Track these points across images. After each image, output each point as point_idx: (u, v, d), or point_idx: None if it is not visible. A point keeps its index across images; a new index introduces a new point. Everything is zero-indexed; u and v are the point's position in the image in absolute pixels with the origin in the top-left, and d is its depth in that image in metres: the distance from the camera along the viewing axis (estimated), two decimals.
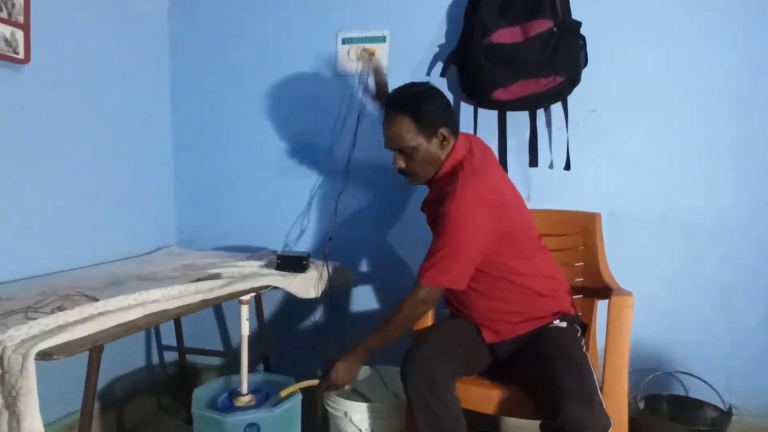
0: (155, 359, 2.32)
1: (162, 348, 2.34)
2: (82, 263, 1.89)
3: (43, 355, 1.02)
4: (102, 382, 2.02)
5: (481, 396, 1.45)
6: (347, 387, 1.56)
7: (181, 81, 2.30)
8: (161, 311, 1.30)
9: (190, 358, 2.32)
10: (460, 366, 1.44)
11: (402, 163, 1.49)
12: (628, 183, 1.89)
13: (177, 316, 1.35)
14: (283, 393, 1.55)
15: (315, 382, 1.60)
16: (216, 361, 2.35)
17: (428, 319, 1.60)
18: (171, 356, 2.34)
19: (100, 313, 1.21)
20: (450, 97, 1.91)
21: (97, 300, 1.25)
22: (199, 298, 1.41)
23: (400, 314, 1.42)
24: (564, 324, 1.48)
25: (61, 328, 1.12)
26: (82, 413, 1.29)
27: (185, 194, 2.34)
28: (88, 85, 1.92)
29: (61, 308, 1.23)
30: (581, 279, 1.76)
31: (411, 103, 1.45)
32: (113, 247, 2.03)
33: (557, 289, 1.53)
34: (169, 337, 2.30)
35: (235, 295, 1.52)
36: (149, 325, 1.26)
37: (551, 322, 1.49)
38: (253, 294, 1.60)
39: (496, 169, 1.55)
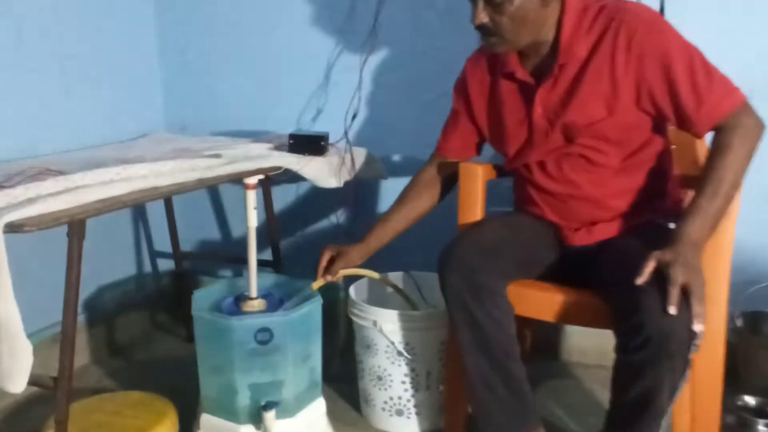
0: (147, 268, 2.35)
1: (155, 254, 2.37)
2: (44, 151, 1.86)
3: (13, 228, 1.00)
4: (86, 291, 2.07)
5: (541, 300, 1.40)
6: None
7: None
8: (150, 188, 1.27)
9: (187, 265, 2.33)
10: (513, 266, 1.39)
11: (484, 17, 1.29)
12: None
13: (168, 195, 1.33)
14: (316, 284, 1.53)
15: (375, 274, 1.59)
16: (218, 269, 2.36)
17: (476, 213, 1.54)
18: (165, 265, 2.37)
19: (78, 187, 1.18)
20: None
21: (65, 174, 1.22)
22: (195, 176, 1.37)
23: (736, 157, 1.23)
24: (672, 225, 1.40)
25: (31, 201, 1.09)
26: (64, 311, 1.30)
27: (173, 68, 2.28)
28: None
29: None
30: None
31: None
32: (83, 133, 2.00)
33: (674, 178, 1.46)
34: (162, 242, 2.31)
35: (239, 177, 1.48)
36: (136, 202, 1.24)
37: (656, 220, 1.42)
38: (261, 177, 1.55)
39: None
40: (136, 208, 2.28)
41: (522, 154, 1.45)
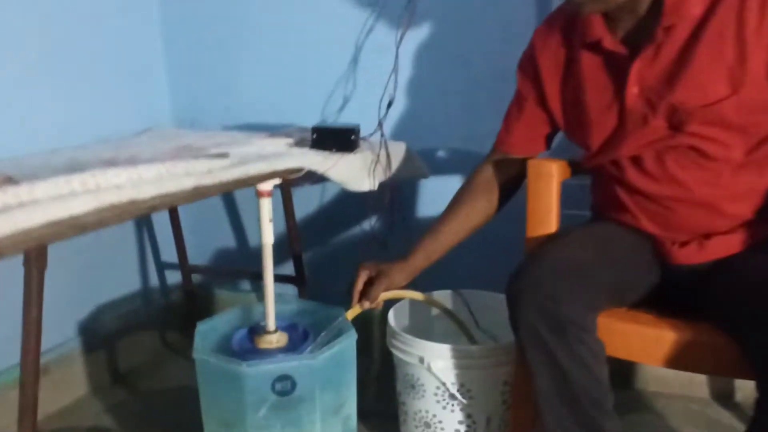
0: (153, 282, 2.11)
1: (162, 267, 2.13)
2: (38, 148, 1.62)
3: None
4: (85, 311, 1.85)
5: (644, 338, 1.12)
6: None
7: None
8: (125, 203, 0.97)
9: (197, 280, 2.12)
10: (604, 294, 1.13)
11: None
12: None
13: (151, 211, 1.02)
14: (351, 313, 1.30)
15: (421, 295, 1.40)
16: (234, 283, 2.15)
17: (550, 223, 1.25)
18: (175, 278, 2.13)
19: (21, 205, 0.87)
20: None
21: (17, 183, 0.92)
22: (189, 183, 1.08)
23: None
24: None
25: None
26: (23, 359, 1.06)
27: (181, 57, 2.05)
28: None
29: None
30: None
31: None
32: (81, 131, 1.77)
33: None
34: (170, 253, 2.07)
35: (250, 182, 1.21)
36: (103, 225, 0.93)
37: None
38: (278, 182, 1.29)
39: None
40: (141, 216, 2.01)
41: (610, 146, 1.18)
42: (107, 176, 1.00)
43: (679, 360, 1.08)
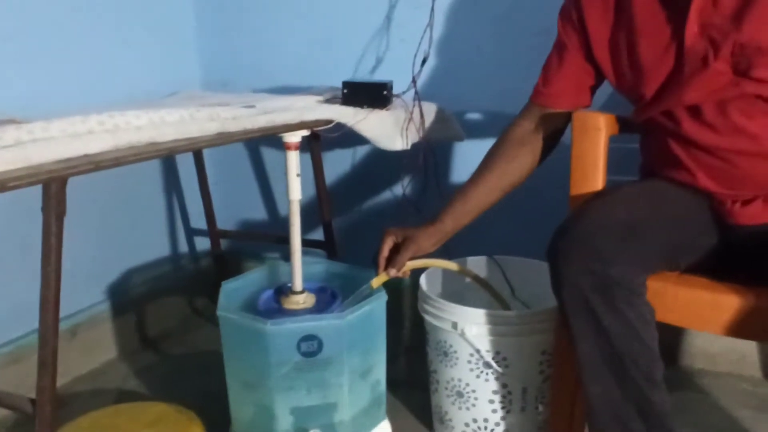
0: (183, 247, 2.10)
1: (192, 232, 2.11)
2: (65, 106, 1.57)
3: None
4: (114, 274, 1.84)
5: (700, 304, 1.04)
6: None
7: None
8: (145, 144, 0.91)
9: (226, 245, 2.09)
10: (656, 255, 1.06)
11: None
12: None
13: (171, 153, 0.97)
14: (377, 281, 1.23)
15: (454, 264, 1.33)
16: (263, 249, 2.12)
17: (596, 180, 1.18)
18: (204, 244, 2.11)
19: (34, 141, 0.82)
20: None
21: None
22: (213, 128, 1.02)
23: None
24: None
25: None
26: (41, 316, 1.00)
27: (209, 19, 2.00)
28: None
29: None
30: None
31: None
32: (105, 91, 1.72)
33: None
34: (199, 219, 2.05)
35: (276, 131, 1.16)
36: (119, 163, 0.87)
37: None
38: (306, 134, 1.23)
39: None
40: (167, 176, 1.99)
41: (666, 94, 1.09)
42: (127, 117, 0.95)
43: (737, 327, 1.01)
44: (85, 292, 1.72)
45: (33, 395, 1.04)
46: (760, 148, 1.03)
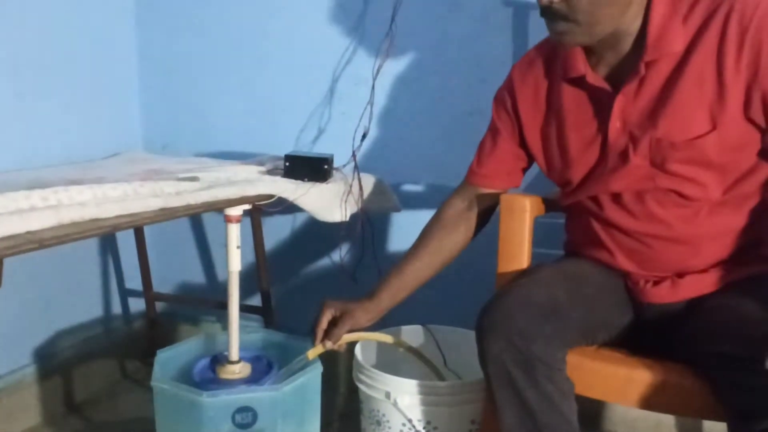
0: (116, 308, 2.03)
1: (126, 293, 2.05)
2: (1, 167, 1.56)
3: None
4: (41, 337, 1.76)
5: (614, 379, 1.08)
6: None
7: None
8: (88, 221, 0.92)
9: (161, 308, 2.04)
10: (575, 332, 1.09)
11: None
12: None
13: (114, 231, 0.98)
14: (313, 352, 1.23)
15: (388, 337, 1.35)
16: (198, 313, 2.07)
17: (521, 259, 1.22)
18: (137, 305, 2.05)
19: None
20: None
21: None
22: (155, 204, 1.03)
23: None
24: None
25: None
26: None
27: (153, 82, 1.99)
28: None
29: None
30: None
31: None
32: (48, 152, 1.70)
33: None
34: (134, 279, 2.00)
35: (218, 206, 1.17)
36: (62, 241, 0.87)
37: (766, 274, 1.10)
38: (247, 207, 1.24)
39: None
40: (103, 237, 1.94)
41: (591, 182, 1.15)
42: (70, 193, 0.95)
43: (649, 400, 1.04)
44: (7, 356, 1.64)
45: None
46: (671, 233, 1.09)
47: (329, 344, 1.22)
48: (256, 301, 1.76)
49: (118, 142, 1.92)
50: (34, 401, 1.71)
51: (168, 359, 1.27)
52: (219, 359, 1.27)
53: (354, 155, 1.63)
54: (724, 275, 1.09)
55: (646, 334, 1.14)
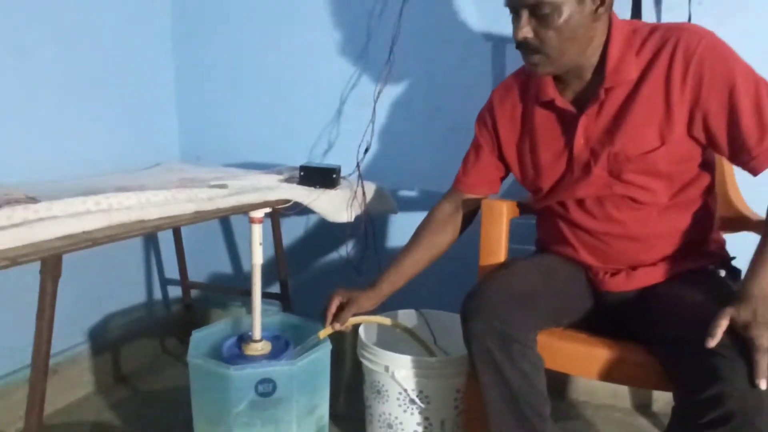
0: (157, 295, 2.01)
1: (165, 282, 2.03)
2: (63, 176, 1.55)
3: None
4: (93, 319, 1.75)
5: (578, 354, 1.07)
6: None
7: None
8: (133, 222, 0.91)
9: (195, 294, 2.01)
10: (544, 316, 1.08)
11: (528, 32, 0.99)
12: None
13: (156, 230, 0.97)
14: (323, 333, 1.21)
15: (387, 320, 1.30)
16: (227, 299, 2.04)
17: (500, 254, 1.21)
18: (175, 292, 2.03)
19: (40, 219, 0.82)
20: None
21: (37, 202, 0.86)
22: (190, 208, 1.02)
23: None
24: (723, 272, 1.10)
25: None
26: (33, 362, 0.96)
27: (188, 104, 1.97)
28: None
29: None
30: None
31: None
32: (100, 162, 1.69)
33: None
34: (172, 270, 1.98)
35: (244, 209, 1.15)
36: (113, 240, 0.87)
37: (705, 266, 1.10)
38: (268, 210, 1.23)
39: None
40: (147, 236, 1.95)
41: (559, 189, 1.14)
42: (119, 198, 0.95)
43: (607, 373, 1.03)
44: (65, 335, 1.64)
45: (15, 428, 0.97)
46: (626, 232, 1.08)
47: (337, 326, 1.21)
48: (275, 289, 1.75)
49: (158, 155, 1.91)
50: (87, 373, 1.71)
51: (201, 338, 1.25)
52: (244, 338, 1.26)
53: (358, 166, 1.62)
54: (671, 268, 1.09)
55: (605, 318, 1.13)
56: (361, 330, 1.39)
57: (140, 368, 1.85)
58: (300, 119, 1.83)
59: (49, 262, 0.87)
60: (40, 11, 1.50)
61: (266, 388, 1.10)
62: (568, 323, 1.14)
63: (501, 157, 1.23)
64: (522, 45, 1.01)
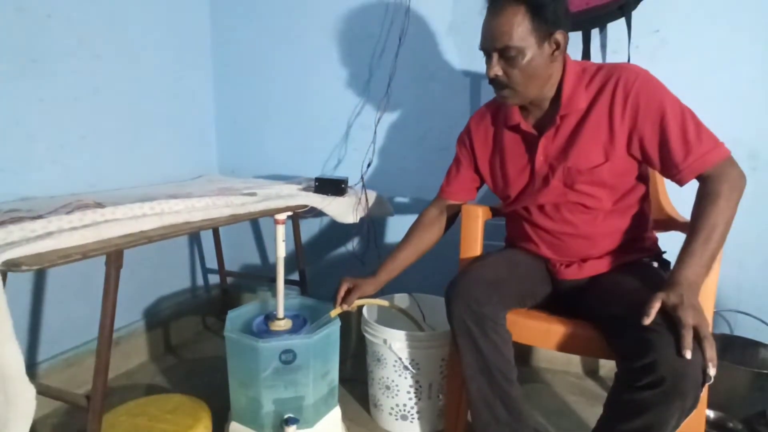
0: (199, 281, 2.00)
1: (206, 271, 2.02)
2: (123, 185, 1.56)
3: (10, 266, 0.64)
4: (148, 300, 1.75)
5: (539, 329, 1.07)
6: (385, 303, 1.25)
7: (221, 6, 1.86)
8: (181, 223, 0.92)
9: (231, 281, 2.01)
10: (511, 298, 1.08)
11: (498, 71, 0.99)
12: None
13: (199, 230, 0.97)
14: (334, 312, 1.20)
15: (385, 302, 1.28)
16: (256, 284, 2.02)
17: (476, 249, 1.21)
18: (214, 279, 2.03)
19: (106, 221, 0.82)
20: None
21: (104, 207, 0.86)
22: (227, 212, 1.02)
23: (728, 205, 0.90)
24: (656, 264, 1.10)
25: (49, 235, 0.73)
26: (100, 336, 0.96)
27: (226, 124, 1.96)
28: (124, 7, 1.52)
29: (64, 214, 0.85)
30: None
31: None
32: (154, 175, 1.69)
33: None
34: (212, 261, 1.98)
35: (270, 213, 1.15)
36: (164, 237, 0.88)
37: (641, 259, 1.10)
38: (290, 213, 1.23)
39: None
40: (192, 234, 1.94)
41: (523, 197, 1.14)
42: (169, 204, 0.95)
43: (562, 345, 1.04)
44: (126, 314, 1.65)
45: (82, 391, 0.97)
46: (577, 232, 1.09)
47: (345, 307, 1.20)
48: (295, 276, 1.74)
49: (200, 168, 1.91)
50: (143, 345, 1.71)
51: (235, 317, 1.25)
52: (270, 317, 1.26)
53: (362, 177, 1.63)
54: (614, 260, 1.09)
55: (561, 301, 1.14)
56: (364, 310, 1.39)
57: (186, 341, 1.86)
58: (315, 140, 1.83)
59: (113, 255, 0.87)
60: (105, 53, 1.50)
61: (288, 357, 1.11)
62: (531, 305, 1.14)
63: (477, 171, 1.23)
64: (494, 81, 1.02)
